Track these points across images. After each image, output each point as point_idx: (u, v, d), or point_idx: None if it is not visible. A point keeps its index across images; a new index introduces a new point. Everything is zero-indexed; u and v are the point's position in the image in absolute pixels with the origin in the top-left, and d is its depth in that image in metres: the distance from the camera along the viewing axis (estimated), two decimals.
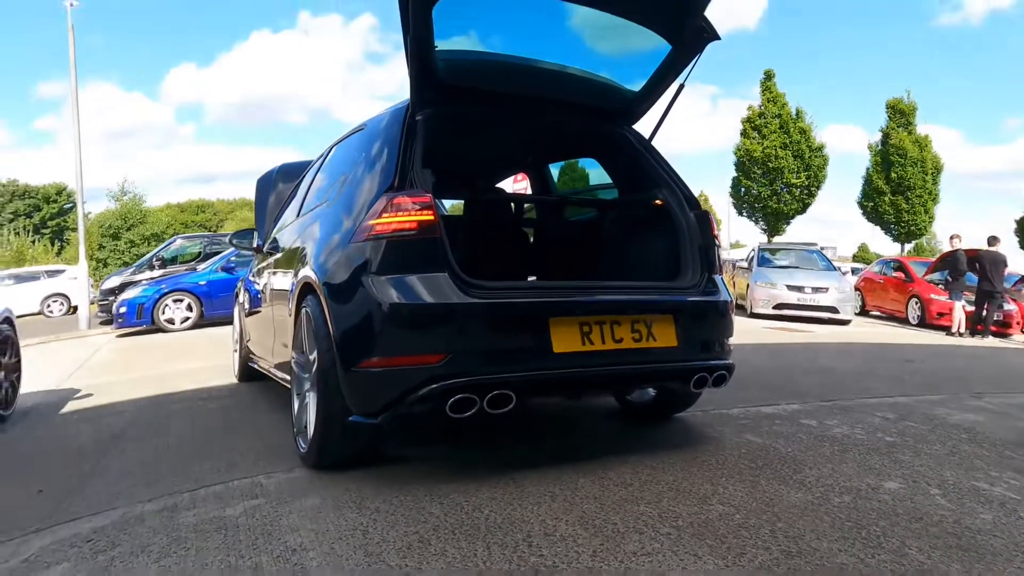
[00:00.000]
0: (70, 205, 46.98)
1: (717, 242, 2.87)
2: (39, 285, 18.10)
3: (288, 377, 3.01)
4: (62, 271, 18.86)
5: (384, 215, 2.24)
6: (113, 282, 12.38)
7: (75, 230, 37.61)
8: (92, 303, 12.35)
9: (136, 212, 32.76)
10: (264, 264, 3.81)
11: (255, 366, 4.25)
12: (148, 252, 29.68)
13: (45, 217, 45.93)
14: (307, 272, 2.60)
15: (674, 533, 1.88)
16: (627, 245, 3.28)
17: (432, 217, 2.25)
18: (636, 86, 2.95)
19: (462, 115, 2.94)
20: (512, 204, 4.24)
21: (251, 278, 4.30)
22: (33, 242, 34.72)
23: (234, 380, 4.85)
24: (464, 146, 3.83)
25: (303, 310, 2.61)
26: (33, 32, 70.59)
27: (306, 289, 2.62)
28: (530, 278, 4.03)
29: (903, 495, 2.31)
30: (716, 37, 2.65)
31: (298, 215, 3.40)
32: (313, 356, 2.47)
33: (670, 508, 2.07)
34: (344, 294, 2.30)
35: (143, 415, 3.82)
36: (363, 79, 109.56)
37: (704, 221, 2.84)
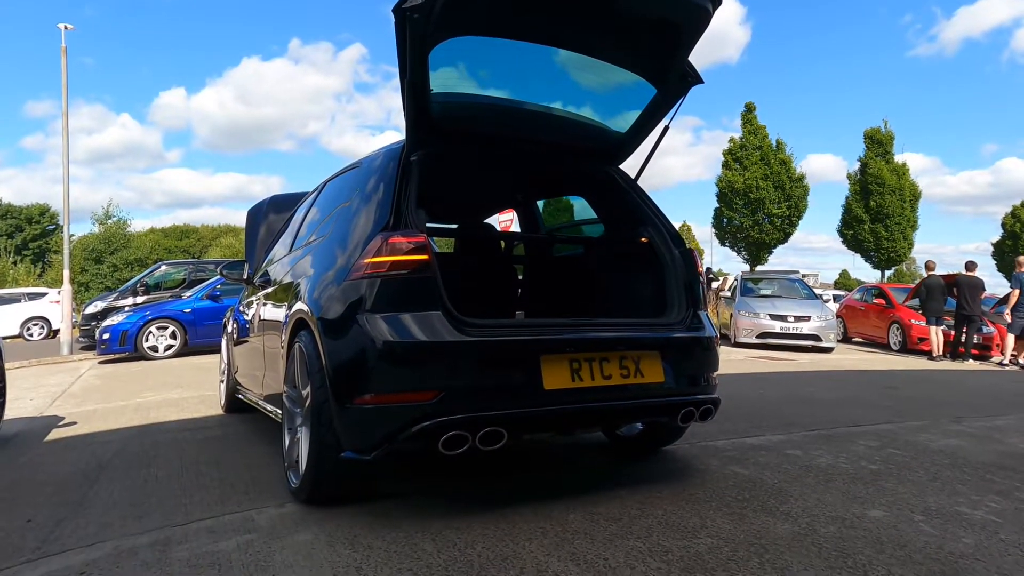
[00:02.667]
0: (53, 227, 46.63)
1: (701, 279, 2.94)
2: (19, 308, 17.81)
3: (278, 410, 3.02)
4: (44, 294, 18.56)
5: (379, 254, 2.29)
6: (96, 307, 12.30)
7: (57, 252, 37.31)
8: (74, 327, 12.14)
9: (120, 236, 32.58)
10: (255, 296, 3.82)
11: (243, 397, 4.24)
12: (131, 277, 29.56)
13: (27, 238, 45.22)
14: (301, 307, 2.63)
15: (664, 568, 1.90)
16: (614, 281, 3.35)
17: (427, 257, 2.30)
18: (623, 127, 3.05)
19: (455, 155, 3.03)
20: (502, 241, 4.32)
21: (241, 309, 4.31)
22: (15, 263, 34.22)
23: (220, 411, 4.82)
24: (456, 183, 3.92)
25: (296, 344, 2.62)
26: (23, 51, 70.18)
27: (299, 324, 2.64)
28: (518, 314, 4.08)
29: (888, 523, 2.35)
30: (699, 81, 2.78)
31: (291, 249, 3.44)
32: (306, 391, 2.48)
33: (660, 542, 2.09)
34: (338, 330, 2.33)
35: (129, 445, 3.78)
36: (352, 109, 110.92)
37: (689, 258, 2.92)
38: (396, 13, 2.19)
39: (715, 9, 2.49)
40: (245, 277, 4.33)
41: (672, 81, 2.80)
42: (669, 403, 2.58)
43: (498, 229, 4.79)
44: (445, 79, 2.54)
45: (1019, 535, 2.33)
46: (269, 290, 3.40)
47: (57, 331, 16.66)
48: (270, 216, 4.99)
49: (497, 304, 3.86)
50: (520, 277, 4.28)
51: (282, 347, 2.85)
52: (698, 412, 2.63)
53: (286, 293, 3.00)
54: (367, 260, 2.30)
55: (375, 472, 2.75)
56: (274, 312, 3.17)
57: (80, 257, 30.04)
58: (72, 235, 12.53)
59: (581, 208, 3.92)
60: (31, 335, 17.45)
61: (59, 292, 13.96)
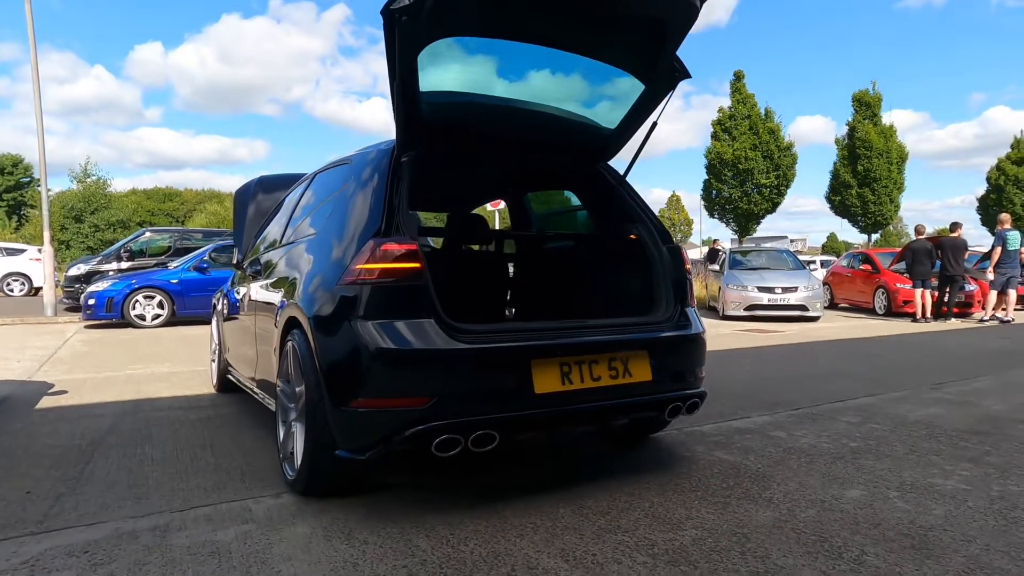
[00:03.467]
0: (28, 179, 46.28)
1: (689, 276, 3.00)
2: None
3: (270, 399, 3.09)
4: (23, 250, 18.65)
5: (371, 261, 2.32)
6: (79, 269, 12.44)
7: (34, 207, 36.70)
8: (57, 286, 12.24)
9: (100, 196, 32.15)
10: (245, 284, 3.85)
11: (233, 378, 4.31)
12: (112, 238, 29.25)
13: (1, 189, 45.00)
14: (293, 305, 2.66)
15: (650, 562, 1.99)
16: (603, 277, 3.40)
17: (418, 265, 2.34)
18: (611, 123, 3.08)
19: (445, 153, 3.05)
20: (492, 237, 4.37)
21: (232, 292, 4.33)
22: None
23: (211, 390, 4.90)
24: (446, 181, 3.95)
25: (289, 342, 2.67)
26: None
27: (292, 322, 2.68)
28: (510, 310, 4.15)
29: (864, 502, 2.46)
30: (687, 75, 2.81)
31: (281, 240, 3.46)
32: (300, 389, 2.54)
33: (646, 536, 2.18)
34: (332, 334, 2.38)
35: (123, 421, 3.85)
36: (337, 73, 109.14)
37: (676, 255, 2.97)
38: (384, 15, 2.20)
39: (702, 4, 2.51)
40: (235, 262, 4.36)
41: (660, 77, 2.83)
42: (657, 400, 2.65)
43: (488, 220, 4.82)
44: (434, 78, 2.55)
45: (986, 501, 2.46)
46: (261, 281, 3.41)
47: (38, 289, 16.96)
48: (259, 196, 5.02)
49: (487, 300, 3.92)
50: (511, 271, 4.33)
51: (275, 342, 2.89)
52: (685, 406, 2.72)
53: (278, 287, 3.02)
54: (359, 266, 2.34)
55: (369, 467, 2.83)
56: (266, 305, 3.19)
57: (60, 215, 29.67)
58: (49, 190, 12.40)
59: (572, 197, 3.98)
60: (11, 291, 17.65)
61: (39, 251, 14.07)
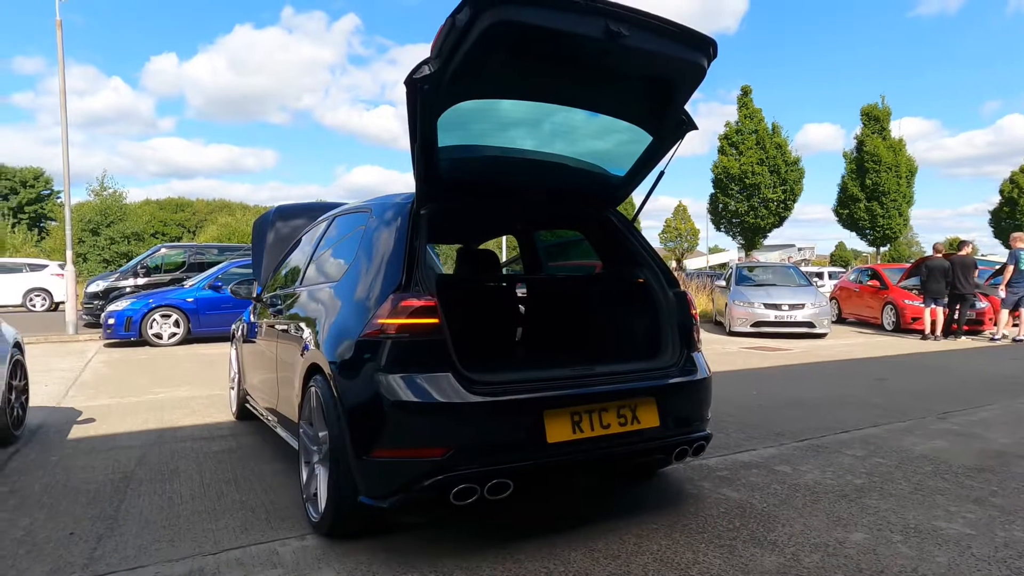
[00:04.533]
0: (48, 192, 47.63)
1: (695, 321, 3.08)
2: (21, 278, 18.52)
3: (291, 436, 3.19)
4: (45, 266, 19.26)
5: (392, 316, 2.42)
6: (98, 286, 12.77)
7: (53, 220, 37.14)
8: (76, 300, 12.52)
9: (116, 208, 32.87)
10: (267, 318, 3.94)
11: (251, 407, 4.42)
12: (128, 250, 29.58)
13: (23, 201, 46.35)
14: (316, 352, 2.77)
15: None
16: (611, 320, 3.48)
17: (437, 321, 2.44)
18: (620, 172, 3.19)
19: (462, 205, 3.18)
20: (504, 279, 4.46)
21: (253, 324, 4.40)
22: (12, 227, 34.69)
23: (231, 417, 5.01)
24: (461, 226, 4.12)
25: (311, 388, 2.77)
26: (12, 4, 69.66)
27: (315, 368, 2.78)
28: (519, 349, 4.22)
29: (867, 547, 2.52)
30: (694, 127, 2.92)
31: (302, 280, 3.57)
32: (323, 435, 2.64)
33: None
34: (354, 385, 2.48)
35: (150, 454, 3.99)
36: (346, 81, 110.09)
37: (683, 300, 3.05)
38: (408, 84, 2.31)
39: (710, 64, 2.61)
40: (255, 295, 4.47)
41: (668, 129, 2.93)
42: (664, 445, 2.73)
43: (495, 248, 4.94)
44: (452, 136, 2.67)
45: (990, 548, 2.51)
46: (283, 322, 3.49)
47: (59, 303, 17.61)
48: (276, 224, 5.18)
49: (499, 337, 4.01)
50: (522, 311, 4.40)
51: (297, 385, 2.99)
52: (691, 449, 2.81)
53: (299, 331, 3.12)
54: (380, 320, 2.44)
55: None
56: (287, 346, 3.29)
57: (77, 227, 30.36)
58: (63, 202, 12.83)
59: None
60: (34, 306, 18.19)
61: (61, 266, 14.71)
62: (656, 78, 2.67)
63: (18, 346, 4.44)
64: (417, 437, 2.36)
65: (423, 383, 2.37)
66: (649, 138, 2.98)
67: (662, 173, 3.14)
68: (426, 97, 2.33)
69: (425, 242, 2.66)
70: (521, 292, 4.47)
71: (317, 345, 2.79)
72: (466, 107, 2.57)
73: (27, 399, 4.55)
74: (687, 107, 2.88)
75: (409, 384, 2.37)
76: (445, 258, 17.85)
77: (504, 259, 8.35)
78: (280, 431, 3.54)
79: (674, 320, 2.99)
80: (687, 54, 2.55)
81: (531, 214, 3.87)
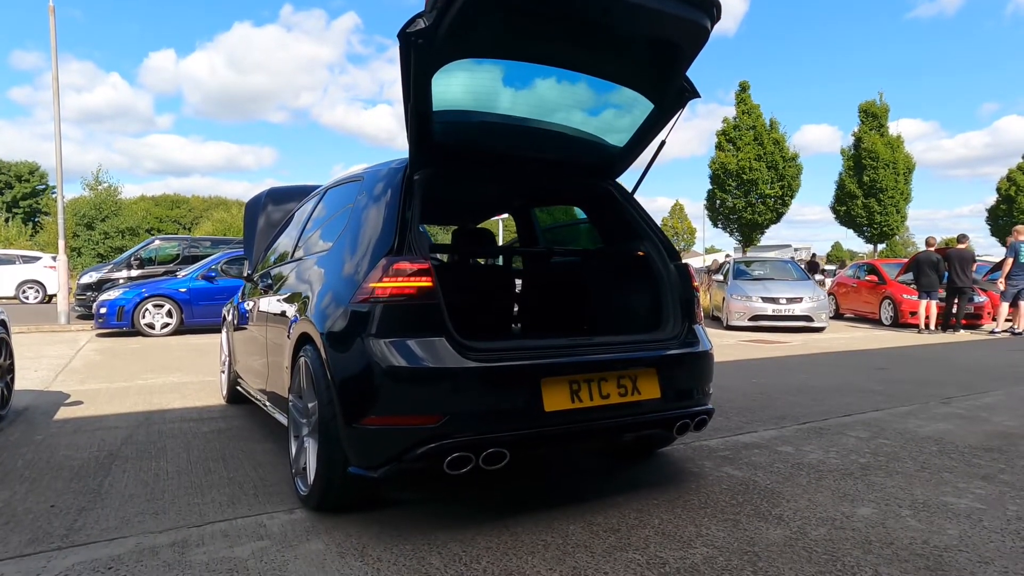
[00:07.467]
0: (43, 187, 47.76)
1: (696, 293, 3.00)
2: (15, 269, 18.52)
3: (281, 413, 3.10)
4: (38, 258, 19.25)
5: (384, 279, 2.33)
6: (91, 277, 12.68)
7: (48, 214, 37.35)
8: (69, 293, 12.45)
9: (111, 203, 32.84)
10: (256, 296, 3.86)
11: (243, 390, 4.33)
12: (122, 245, 29.53)
13: (17, 196, 46.45)
14: (306, 321, 2.67)
15: None
16: (611, 294, 3.40)
17: (430, 283, 2.35)
18: (620, 142, 3.09)
19: (456, 171, 3.07)
20: (500, 252, 4.37)
21: (242, 304, 4.34)
22: (7, 220, 34.74)
23: (221, 400, 4.92)
24: (455, 196, 3.98)
25: (301, 358, 2.68)
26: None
27: (304, 338, 2.69)
28: (515, 326, 4.14)
29: (875, 520, 2.44)
30: (696, 95, 2.82)
31: (293, 253, 3.47)
32: (312, 405, 2.55)
33: (657, 554, 2.17)
34: (344, 352, 2.38)
35: (137, 433, 3.89)
36: (344, 80, 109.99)
37: (684, 272, 2.97)
38: (401, 38, 2.23)
39: (713, 26, 2.52)
40: (246, 275, 4.38)
41: (670, 97, 2.84)
42: (665, 417, 2.64)
43: (493, 230, 4.85)
44: (447, 99, 2.57)
45: (1002, 521, 2.44)
46: (272, 295, 3.42)
47: (52, 296, 17.59)
48: (268, 207, 5.09)
49: (494, 314, 3.92)
50: (519, 286, 4.33)
51: (287, 358, 2.90)
52: (693, 423, 2.72)
53: (290, 302, 3.04)
54: (372, 284, 2.35)
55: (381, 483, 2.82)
56: (278, 319, 3.20)
57: (72, 222, 30.41)
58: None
59: (578, 209, 3.97)
60: (27, 298, 18.18)
61: (54, 258, 14.51)
62: (658, 39, 2.58)
63: (3, 324, 4.33)
64: (410, 404, 2.27)
65: (416, 348, 2.29)
66: (650, 106, 2.89)
67: (663, 142, 3.05)
68: (420, 52, 2.25)
69: (419, 207, 2.57)
70: (519, 268, 4.39)
71: (307, 314, 2.70)
72: (461, 66, 2.48)
73: (12, 379, 4.45)
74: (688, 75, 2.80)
75: (401, 349, 2.28)
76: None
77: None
78: (271, 409, 3.45)
79: (676, 293, 2.92)
80: (690, 13, 2.46)
81: (528, 186, 3.77)
